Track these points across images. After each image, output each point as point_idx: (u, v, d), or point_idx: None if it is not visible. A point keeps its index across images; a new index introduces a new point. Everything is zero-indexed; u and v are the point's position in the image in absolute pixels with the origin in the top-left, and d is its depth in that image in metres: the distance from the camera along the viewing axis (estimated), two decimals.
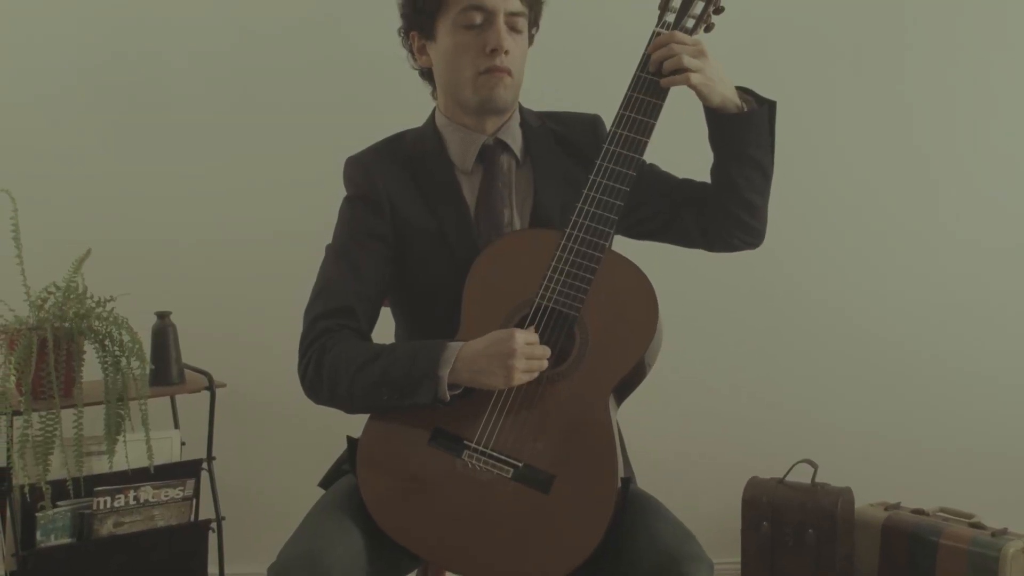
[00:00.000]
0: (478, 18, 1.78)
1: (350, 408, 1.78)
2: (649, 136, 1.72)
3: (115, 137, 2.93)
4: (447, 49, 1.82)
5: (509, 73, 1.81)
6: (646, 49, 1.73)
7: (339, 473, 1.89)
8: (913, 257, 3.02)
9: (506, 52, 1.79)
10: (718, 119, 1.78)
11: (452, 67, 1.83)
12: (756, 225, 1.86)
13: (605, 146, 1.73)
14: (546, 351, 1.69)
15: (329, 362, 1.75)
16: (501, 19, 1.78)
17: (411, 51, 1.91)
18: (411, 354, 1.71)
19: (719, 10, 1.75)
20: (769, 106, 1.80)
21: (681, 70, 1.69)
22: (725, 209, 1.84)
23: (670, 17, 1.74)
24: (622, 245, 1.92)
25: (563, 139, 1.92)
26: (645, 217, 1.92)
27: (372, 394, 1.72)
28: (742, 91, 1.80)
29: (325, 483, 1.90)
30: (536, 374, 1.68)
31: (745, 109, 1.78)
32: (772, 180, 1.84)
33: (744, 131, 1.78)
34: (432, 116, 1.93)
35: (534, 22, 1.88)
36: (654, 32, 1.74)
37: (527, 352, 1.66)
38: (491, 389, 1.70)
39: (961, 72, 2.98)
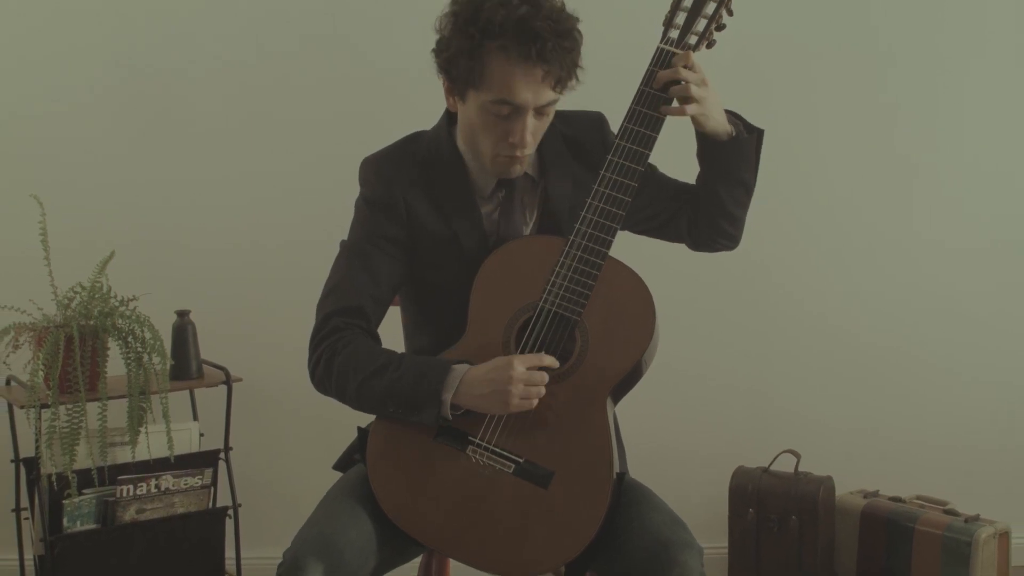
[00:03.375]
0: (506, 111, 1.69)
1: (355, 408, 1.77)
2: (651, 148, 1.70)
3: (138, 146, 2.93)
4: (472, 120, 1.74)
5: (527, 155, 1.76)
6: (650, 64, 1.71)
7: (351, 461, 1.88)
8: (890, 260, 3.02)
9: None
10: (710, 143, 1.76)
11: (473, 137, 1.76)
12: (735, 233, 1.88)
13: (609, 157, 1.70)
14: (544, 377, 1.66)
15: (338, 365, 1.73)
16: (529, 116, 1.70)
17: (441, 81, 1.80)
18: (418, 373, 1.69)
19: (721, 27, 1.72)
20: (758, 134, 1.79)
21: (686, 99, 1.67)
22: (710, 219, 1.84)
23: (674, 33, 1.71)
24: (620, 246, 1.92)
25: (571, 141, 1.88)
26: (647, 217, 1.91)
27: (378, 405, 1.72)
28: (731, 115, 1.78)
29: (339, 466, 1.90)
30: (535, 402, 1.66)
31: (734, 134, 1.76)
32: (753, 194, 1.84)
33: (733, 155, 1.77)
34: (448, 124, 1.85)
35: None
36: (658, 48, 1.71)
37: (525, 379, 1.64)
38: (490, 413, 1.69)
39: (939, 82, 2.97)
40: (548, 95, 1.70)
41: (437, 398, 1.67)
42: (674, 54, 1.70)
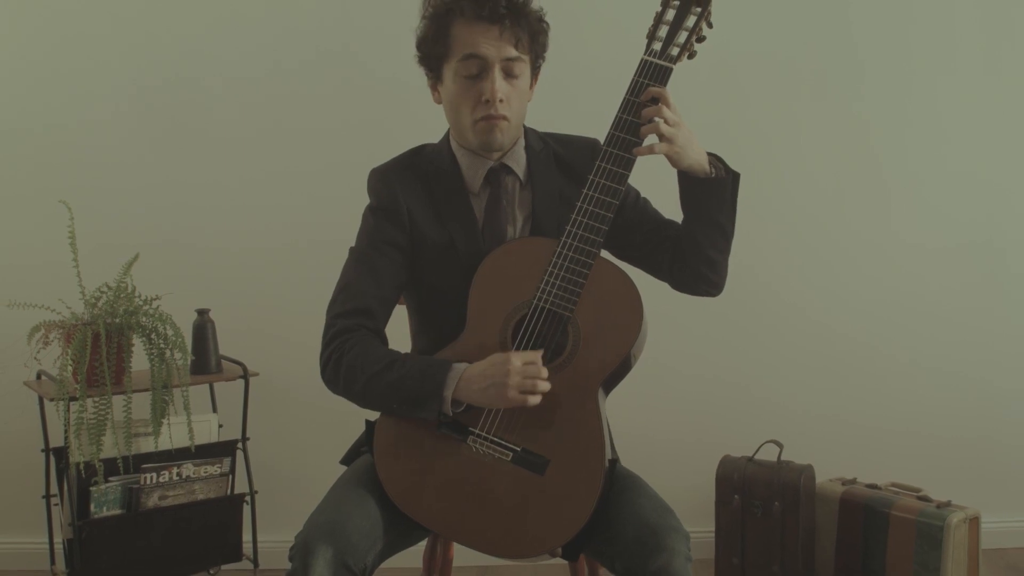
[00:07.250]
0: (475, 68, 1.74)
1: (362, 405, 1.76)
2: (641, 138, 1.69)
3: (161, 154, 2.93)
4: (451, 94, 1.79)
5: (505, 118, 1.77)
6: (634, 76, 1.70)
7: (358, 453, 1.88)
8: (868, 260, 3.02)
9: (500, 100, 1.75)
10: (687, 181, 1.76)
11: (455, 111, 1.80)
12: (714, 278, 1.84)
13: (598, 163, 1.70)
14: (543, 372, 1.65)
15: (347, 364, 1.73)
16: (496, 70, 1.74)
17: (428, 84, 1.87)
18: (420, 372, 1.69)
19: (701, 39, 1.72)
20: (734, 176, 1.78)
21: (658, 136, 1.67)
22: (687, 261, 1.82)
23: (657, 46, 1.70)
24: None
25: (563, 160, 1.88)
26: (628, 245, 1.90)
27: (382, 401, 1.72)
28: (714, 157, 1.78)
29: (346, 460, 1.90)
30: (538, 397, 1.64)
31: (713, 174, 1.76)
32: (732, 241, 1.82)
33: (709, 195, 1.76)
34: (448, 135, 1.89)
35: (536, 60, 1.82)
36: (642, 60, 1.70)
37: (521, 372, 1.63)
38: (489, 407, 1.68)
39: (913, 94, 2.97)
40: (510, 50, 1.74)
41: (439, 395, 1.66)
42: (660, 66, 1.69)
